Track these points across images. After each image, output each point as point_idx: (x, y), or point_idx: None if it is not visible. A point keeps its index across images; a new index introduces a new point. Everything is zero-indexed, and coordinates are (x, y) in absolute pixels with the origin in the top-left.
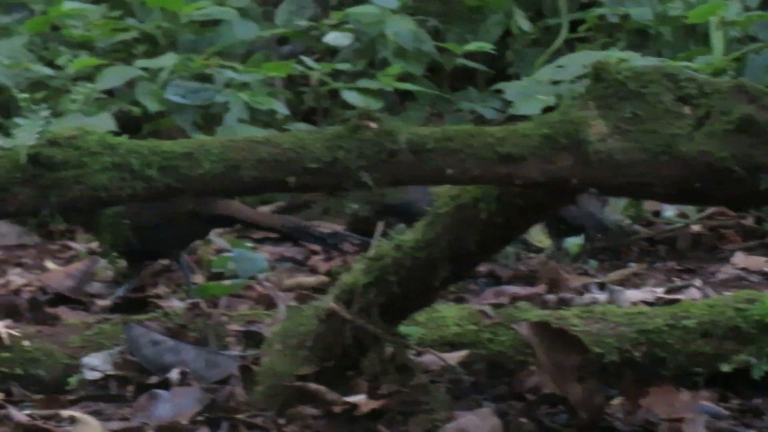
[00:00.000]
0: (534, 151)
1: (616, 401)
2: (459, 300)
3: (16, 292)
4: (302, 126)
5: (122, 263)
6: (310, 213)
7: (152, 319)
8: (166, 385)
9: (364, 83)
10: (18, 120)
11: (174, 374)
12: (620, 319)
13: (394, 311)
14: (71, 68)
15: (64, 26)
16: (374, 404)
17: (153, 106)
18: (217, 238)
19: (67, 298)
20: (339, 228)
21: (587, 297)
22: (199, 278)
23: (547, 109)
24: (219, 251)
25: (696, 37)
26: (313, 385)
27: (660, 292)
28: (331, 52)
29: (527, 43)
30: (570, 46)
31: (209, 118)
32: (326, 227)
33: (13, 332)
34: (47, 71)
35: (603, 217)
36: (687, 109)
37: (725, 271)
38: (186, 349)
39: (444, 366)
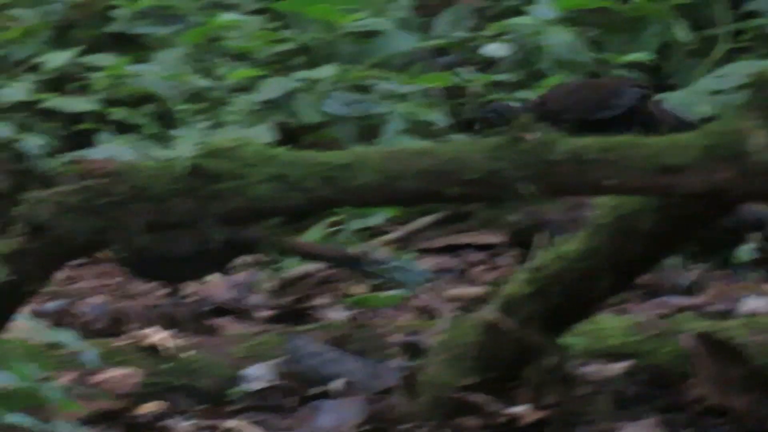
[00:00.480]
0: (694, 161)
1: None
2: (620, 311)
3: (179, 303)
4: (461, 137)
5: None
6: (470, 224)
7: (313, 329)
8: (328, 395)
9: (522, 94)
10: (177, 131)
11: (336, 384)
12: None
13: (556, 322)
14: (229, 80)
15: (222, 38)
16: (537, 415)
17: (312, 118)
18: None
19: (228, 309)
20: (497, 239)
21: (749, 307)
22: (360, 289)
23: (706, 120)
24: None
25: None
26: (475, 396)
27: None
28: (489, 63)
29: (687, 53)
30: (730, 56)
31: (368, 130)
32: (483, 238)
33: (176, 343)
34: (205, 83)
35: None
36: None
37: None
38: (348, 359)
39: (607, 377)
